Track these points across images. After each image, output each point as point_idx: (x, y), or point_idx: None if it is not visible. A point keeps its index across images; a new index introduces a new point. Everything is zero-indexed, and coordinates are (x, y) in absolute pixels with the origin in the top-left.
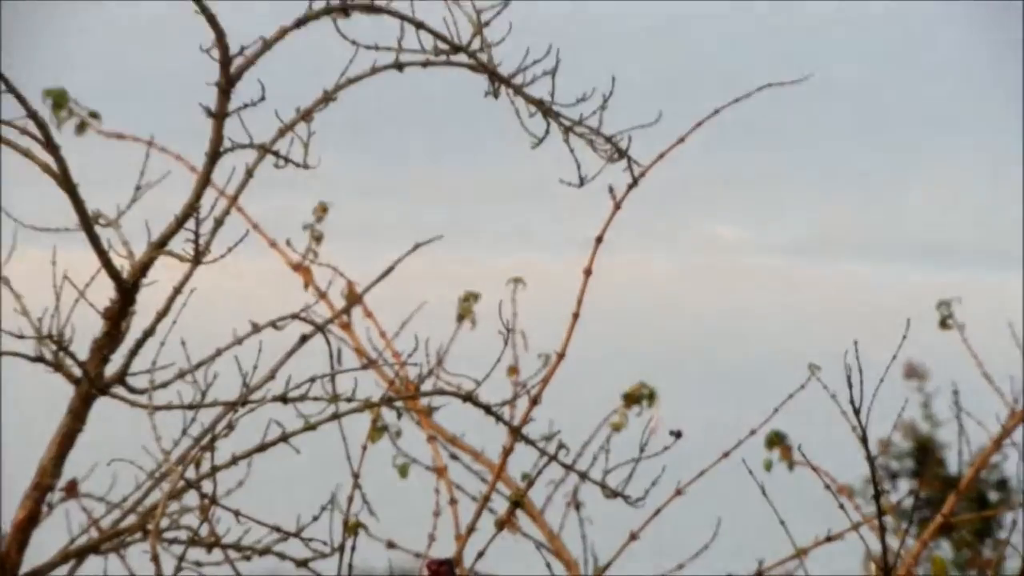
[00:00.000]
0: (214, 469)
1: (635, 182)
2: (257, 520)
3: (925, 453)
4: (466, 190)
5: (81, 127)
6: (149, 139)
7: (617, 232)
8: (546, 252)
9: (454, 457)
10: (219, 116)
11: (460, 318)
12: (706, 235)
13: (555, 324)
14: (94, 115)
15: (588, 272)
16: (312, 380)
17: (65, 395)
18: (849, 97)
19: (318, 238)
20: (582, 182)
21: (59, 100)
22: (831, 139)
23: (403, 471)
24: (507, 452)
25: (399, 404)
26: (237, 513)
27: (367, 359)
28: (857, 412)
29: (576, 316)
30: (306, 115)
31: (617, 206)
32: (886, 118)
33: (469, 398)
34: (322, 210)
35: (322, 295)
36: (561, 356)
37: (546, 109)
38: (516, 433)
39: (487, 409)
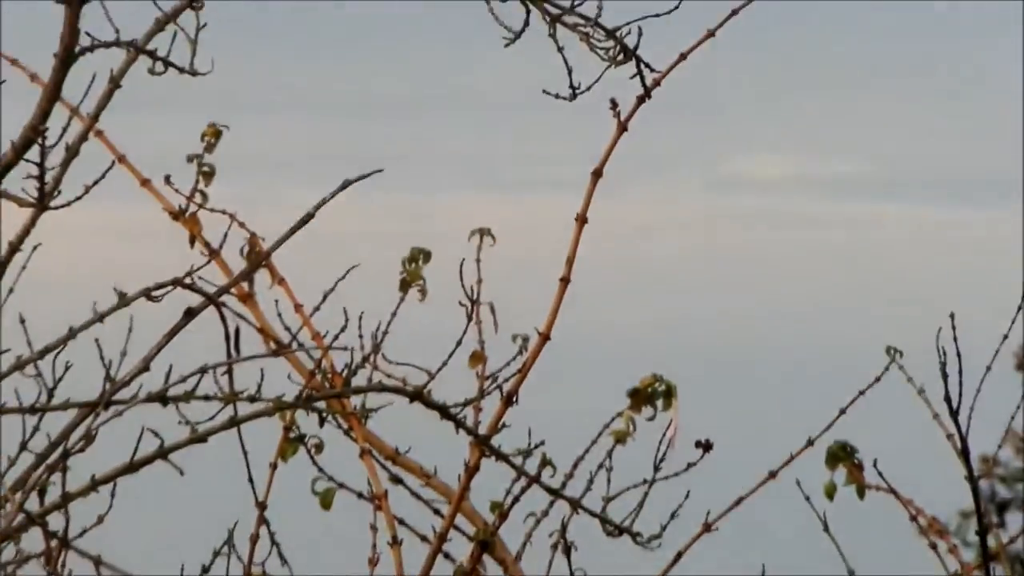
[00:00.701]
0: (66, 498)
1: (647, 94)
2: (123, 572)
3: None
4: (417, 108)
5: None
6: None
7: (623, 164)
8: (525, 192)
9: (397, 480)
10: (74, 1)
11: (405, 286)
12: (738, 169)
13: (537, 293)
14: None
15: (582, 219)
16: (202, 372)
17: None
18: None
19: (208, 174)
20: (574, 93)
21: None
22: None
23: (326, 499)
24: (470, 472)
25: (321, 405)
26: (97, 561)
27: (276, 343)
28: (955, 414)
29: (565, 281)
30: (194, 0)
31: (623, 127)
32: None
33: (418, 396)
34: (213, 135)
35: (214, 253)
36: (545, 337)
37: None
38: (483, 445)
39: (443, 411)
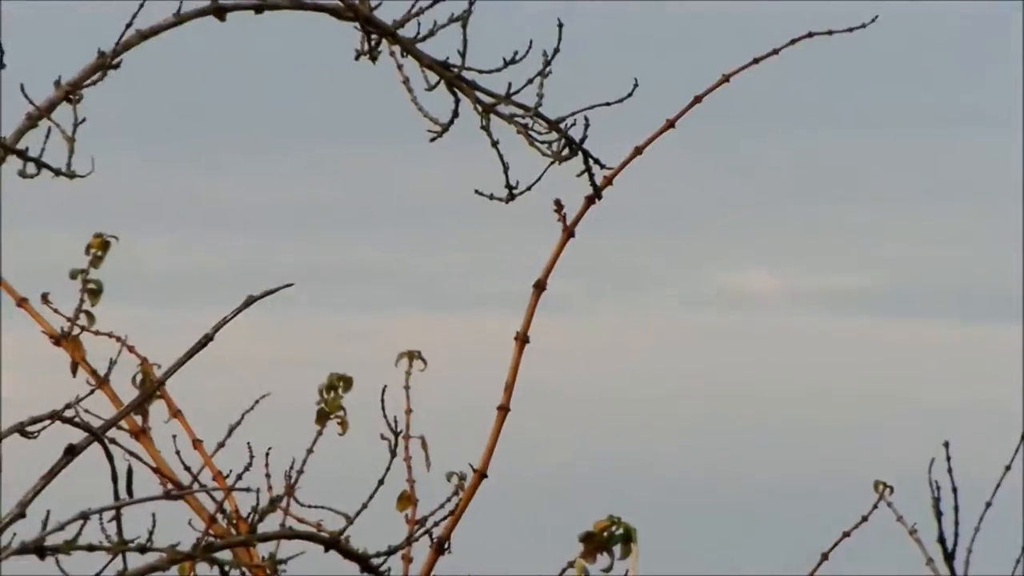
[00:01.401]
0: None
1: (597, 194)
2: None
3: None
4: (332, 210)
5: None
6: None
7: (571, 274)
8: (459, 308)
9: None
10: None
11: (322, 418)
12: (713, 283)
13: (476, 425)
14: None
15: (522, 339)
16: (84, 518)
17: None
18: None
19: (94, 292)
20: (512, 194)
21: None
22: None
23: None
24: None
25: (224, 555)
26: None
27: (173, 483)
28: (950, 558)
29: (504, 410)
30: (71, 91)
31: (568, 232)
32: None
33: (335, 544)
34: (100, 246)
35: (101, 382)
36: (481, 475)
37: (453, 77)
38: None
39: (363, 562)
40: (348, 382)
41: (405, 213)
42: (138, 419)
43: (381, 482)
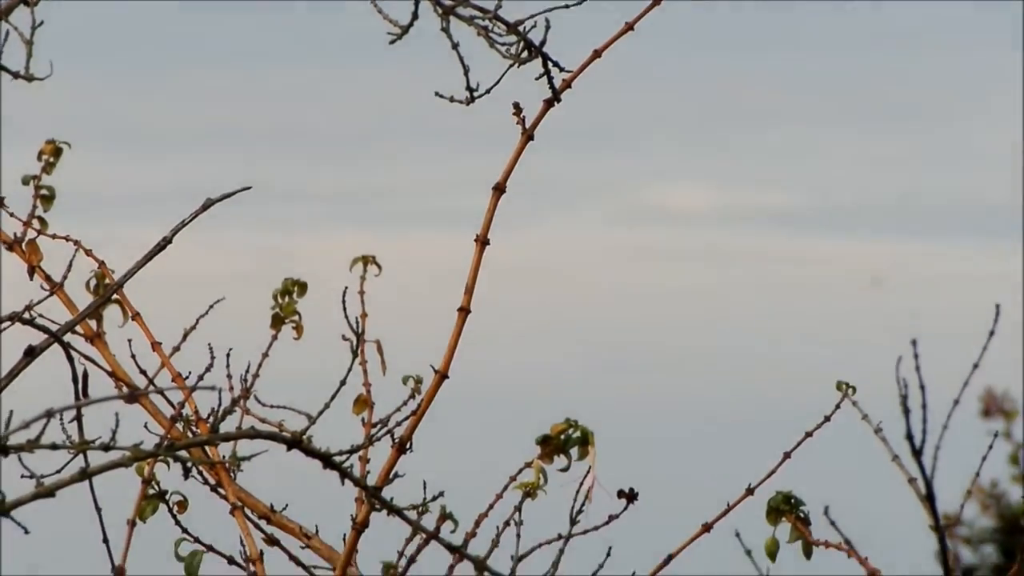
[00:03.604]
0: None
1: (555, 97)
2: None
3: (1016, 535)
4: (291, 115)
5: None
6: None
7: (529, 177)
8: (415, 216)
9: (272, 541)
10: None
11: (277, 322)
12: (655, 196)
13: (426, 333)
14: None
15: (482, 241)
16: (48, 416)
17: None
18: None
19: (47, 198)
20: (472, 96)
21: None
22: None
23: (191, 565)
24: (358, 529)
25: (185, 455)
26: None
27: (130, 387)
28: (918, 455)
29: (464, 311)
30: None
31: (528, 135)
32: None
33: (297, 443)
34: (52, 152)
35: (56, 287)
36: (443, 376)
37: None
38: (373, 497)
39: (325, 460)
40: (302, 287)
41: (374, 123)
42: (94, 324)
43: (343, 383)
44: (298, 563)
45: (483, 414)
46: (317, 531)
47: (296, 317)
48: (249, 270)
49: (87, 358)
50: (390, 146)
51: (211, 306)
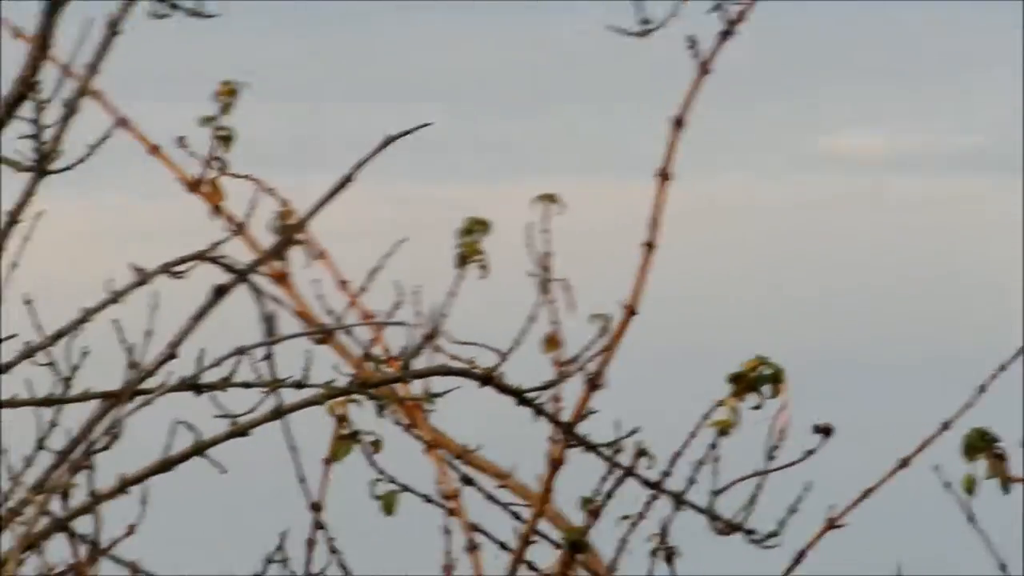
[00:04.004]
0: (95, 499)
1: (730, 28)
2: None
3: None
4: (469, 59)
5: None
6: None
7: (706, 114)
8: (594, 156)
9: (467, 481)
10: None
11: (462, 261)
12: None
13: (612, 269)
14: None
15: (664, 174)
16: (239, 354)
17: None
18: None
19: (226, 139)
20: (645, 28)
21: None
22: None
23: (388, 504)
24: (554, 466)
25: (378, 392)
26: (135, 568)
27: (317, 326)
28: None
29: (650, 247)
30: None
31: (704, 68)
32: None
33: (490, 380)
34: (229, 92)
35: (239, 227)
36: (631, 311)
37: None
38: (568, 434)
39: (519, 397)
40: (486, 226)
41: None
42: (278, 263)
43: (532, 319)
44: (495, 501)
45: (671, 352)
46: (513, 470)
47: (481, 256)
48: (428, 217)
49: (273, 299)
50: (565, 89)
51: (396, 244)
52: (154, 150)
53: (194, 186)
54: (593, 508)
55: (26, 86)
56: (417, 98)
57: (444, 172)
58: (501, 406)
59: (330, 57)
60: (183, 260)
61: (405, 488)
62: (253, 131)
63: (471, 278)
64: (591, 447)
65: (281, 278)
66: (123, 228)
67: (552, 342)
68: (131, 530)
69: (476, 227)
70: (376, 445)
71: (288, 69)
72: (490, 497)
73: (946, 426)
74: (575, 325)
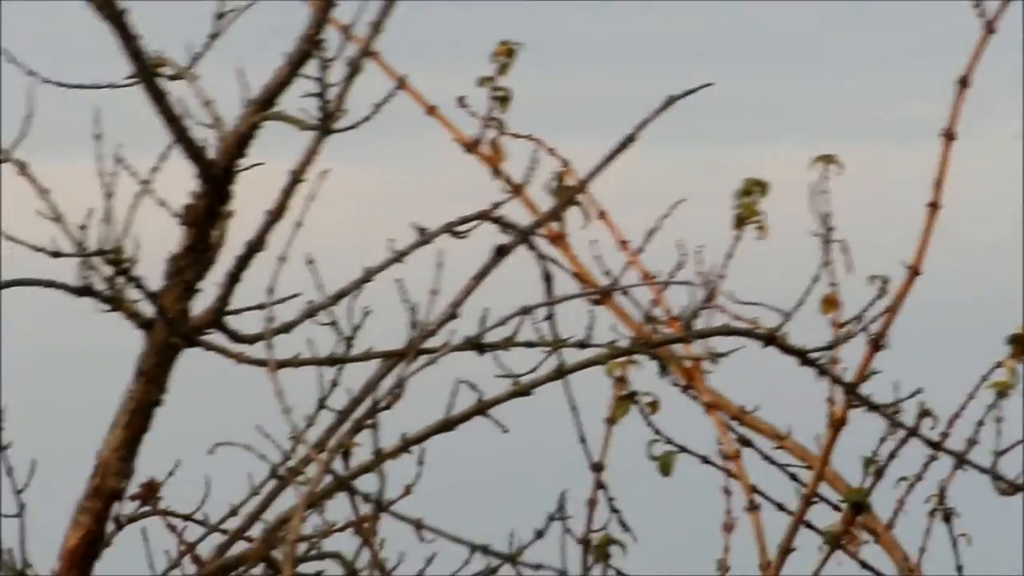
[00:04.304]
0: (379, 457)
1: None
2: (454, 536)
3: None
4: (746, 22)
5: None
6: None
7: (991, 72)
8: (870, 117)
9: (745, 442)
10: None
11: (740, 222)
12: None
13: (893, 229)
14: None
15: (949, 134)
16: (523, 313)
17: (130, 347)
18: None
19: (503, 100)
20: None
21: None
22: None
23: (665, 465)
24: (836, 427)
25: (661, 352)
26: (419, 526)
27: (596, 287)
28: None
29: (934, 207)
30: None
31: (989, 27)
32: None
33: (772, 340)
34: (506, 52)
35: (517, 188)
36: (915, 272)
37: None
38: (851, 394)
39: (802, 357)
40: (764, 187)
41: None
42: (556, 225)
43: (815, 279)
44: (773, 462)
45: (948, 312)
46: (790, 431)
47: (759, 217)
48: (706, 178)
49: (551, 260)
50: (839, 51)
51: (674, 205)
52: (432, 111)
53: (471, 147)
54: (877, 468)
55: (311, 44)
56: (693, 59)
57: (721, 133)
58: (774, 367)
59: (606, 22)
60: (465, 220)
61: (682, 449)
62: (531, 93)
63: (749, 239)
64: (874, 407)
65: (558, 239)
66: (402, 188)
67: (830, 303)
68: (407, 490)
69: (754, 188)
70: (653, 406)
71: (565, 33)
72: (767, 458)
73: None
74: (851, 286)
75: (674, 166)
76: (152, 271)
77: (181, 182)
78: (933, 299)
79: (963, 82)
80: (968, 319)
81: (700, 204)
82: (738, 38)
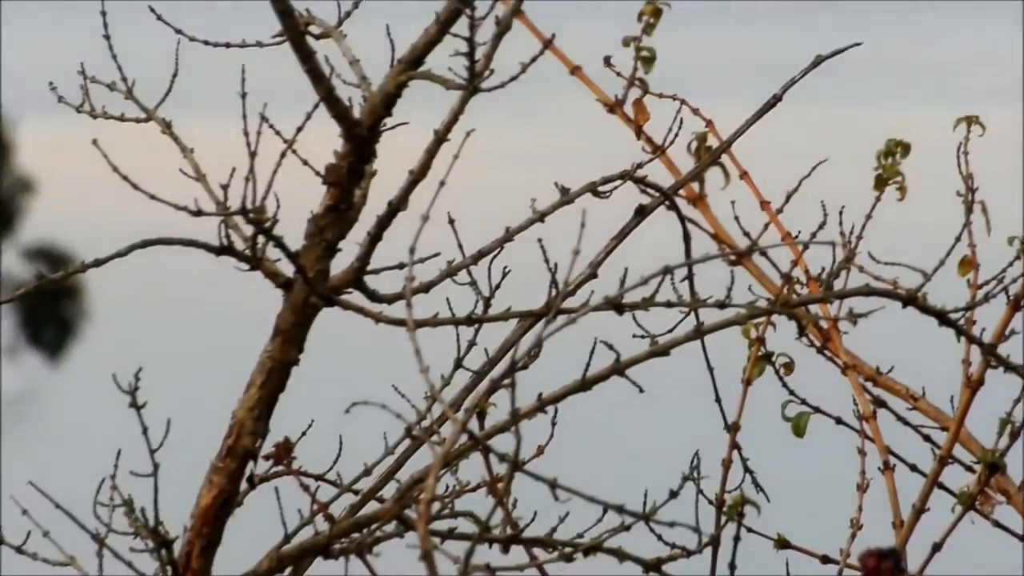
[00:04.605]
0: (515, 417)
1: None
2: (588, 496)
3: None
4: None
5: None
6: None
7: None
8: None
9: (879, 403)
10: None
11: (881, 183)
12: None
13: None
14: None
15: None
16: (664, 273)
17: (269, 306)
18: None
19: (648, 60)
20: None
21: None
22: None
23: (799, 426)
24: (973, 388)
25: (799, 313)
26: (553, 485)
27: (734, 249)
28: None
29: None
30: None
31: None
32: None
33: (912, 300)
34: (653, 13)
35: (660, 149)
36: None
37: None
38: (990, 355)
39: (942, 317)
40: (906, 148)
41: None
42: (695, 187)
43: (958, 239)
44: (907, 423)
45: None
46: (924, 392)
47: (899, 178)
48: (848, 138)
49: (690, 220)
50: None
51: (815, 166)
52: (576, 71)
53: (615, 107)
54: (1013, 430)
55: (462, 2)
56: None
57: (867, 94)
58: (910, 328)
59: None
60: (607, 180)
61: (816, 410)
62: (675, 54)
63: (890, 200)
64: (1012, 368)
65: (698, 200)
66: (546, 148)
67: (967, 264)
68: (540, 451)
69: (896, 148)
70: (789, 367)
71: None
72: (901, 419)
73: None
74: (992, 248)
75: (815, 123)
76: (294, 231)
77: (326, 141)
78: None
79: None
80: None
81: (842, 164)
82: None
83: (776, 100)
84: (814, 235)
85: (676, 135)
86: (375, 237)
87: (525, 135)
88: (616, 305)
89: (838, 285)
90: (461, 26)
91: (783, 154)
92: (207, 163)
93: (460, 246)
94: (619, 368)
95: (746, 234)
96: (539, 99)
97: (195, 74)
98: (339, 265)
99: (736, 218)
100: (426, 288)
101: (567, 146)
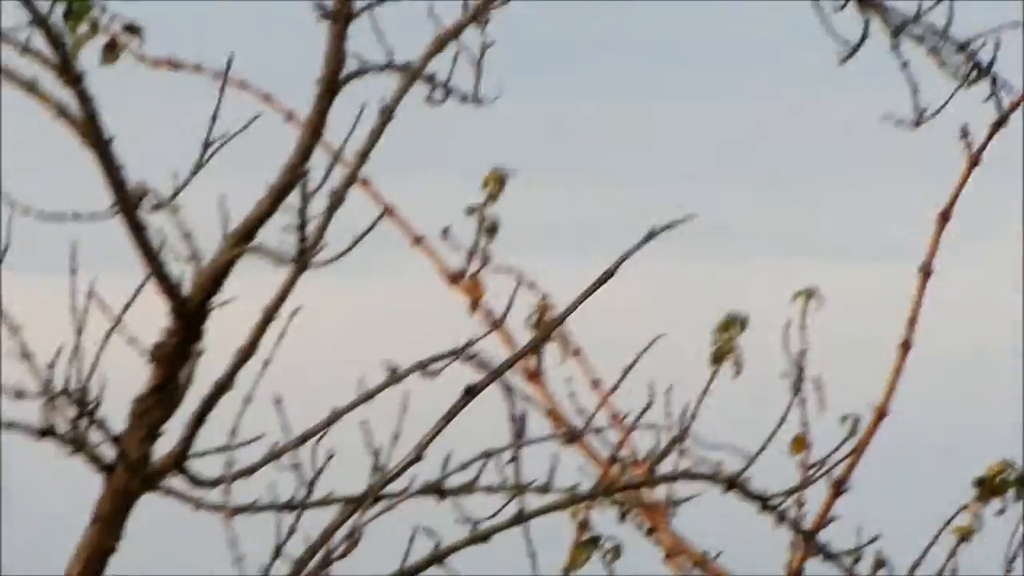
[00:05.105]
0: None
1: (1003, 119)
2: None
3: None
4: (731, 140)
5: (111, 49)
6: (223, 69)
7: (974, 206)
8: (854, 259)
9: None
10: (340, 16)
11: (717, 359)
12: None
13: (868, 363)
14: (132, 30)
15: (927, 271)
16: (486, 458)
17: (90, 490)
18: None
19: (491, 230)
20: (920, 118)
21: (79, 8)
22: None
23: None
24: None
25: (622, 497)
26: None
27: (567, 427)
28: None
29: (906, 347)
30: (478, 15)
31: (974, 160)
32: None
33: (735, 485)
34: (497, 182)
35: (496, 324)
36: (882, 414)
37: None
38: (810, 543)
39: (763, 502)
40: (743, 322)
41: (811, 146)
42: (532, 361)
43: (781, 421)
44: None
45: (919, 454)
46: None
47: (736, 354)
48: (688, 303)
49: (524, 397)
50: (828, 173)
51: (650, 343)
52: (417, 241)
53: (455, 279)
54: None
55: (294, 174)
56: (667, 181)
57: (697, 253)
58: (744, 510)
59: (584, 137)
60: (437, 358)
61: None
62: (516, 214)
63: (724, 376)
64: (831, 556)
65: (534, 376)
66: (382, 321)
67: (800, 443)
68: None
69: (733, 324)
70: (616, 552)
71: (546, 151)
72: None
73: None
74: (826, 423)
75: (654, 283)
76: (117, 411)
77: (157, 315)
78: (903, 437)
79: (943, 216)
80: (940, 458)
81: (677, 325)
82: (712, 154)
83: (608, 276)
84: (640, 417)
85: (507, 310)
86: (199, 419)
87: (360, 303)
88: (438, 490)
89: (669, 467)
90: (294, 197)
91: (636, 314)
92: (33, 330)
93: (286, 426)
94: (438, 556)
95: (581, 412)
96: (378, 266)
97: (27, 242)
98: (163, 447)
99: (571, 395)
100: (249, 472)
101: (406, 315)
